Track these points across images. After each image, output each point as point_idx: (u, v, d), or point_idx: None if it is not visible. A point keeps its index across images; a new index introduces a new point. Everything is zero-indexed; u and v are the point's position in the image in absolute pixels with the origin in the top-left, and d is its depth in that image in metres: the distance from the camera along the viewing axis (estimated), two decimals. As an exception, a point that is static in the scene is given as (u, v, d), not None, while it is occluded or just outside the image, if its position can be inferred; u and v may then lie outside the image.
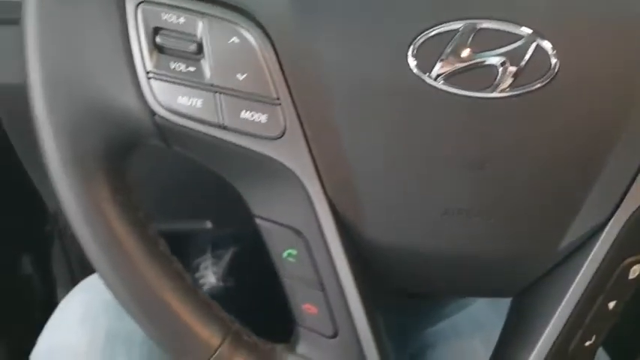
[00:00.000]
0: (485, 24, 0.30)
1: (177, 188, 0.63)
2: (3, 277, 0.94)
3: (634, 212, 0.32)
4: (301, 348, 0.36)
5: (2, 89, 0.52)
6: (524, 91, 0.30)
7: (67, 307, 0.60)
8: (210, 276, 0.99)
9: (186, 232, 0.90)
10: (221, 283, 0.98)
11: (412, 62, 0.30)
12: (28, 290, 0.99)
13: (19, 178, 0.67)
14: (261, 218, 0.34)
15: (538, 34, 0.30)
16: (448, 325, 0.60)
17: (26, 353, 0.60)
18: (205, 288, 0.97)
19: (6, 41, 0.51)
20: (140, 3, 0.31)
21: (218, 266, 0.99)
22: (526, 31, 0.30)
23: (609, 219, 0.33)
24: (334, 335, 0.35)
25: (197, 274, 0.99)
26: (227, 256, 0.99)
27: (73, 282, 0.68)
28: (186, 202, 0.67)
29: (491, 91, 0.30)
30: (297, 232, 0.33)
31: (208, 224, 0.73)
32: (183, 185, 0.61)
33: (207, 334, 0.34)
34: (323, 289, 0.34)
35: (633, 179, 0.32)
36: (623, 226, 0.33)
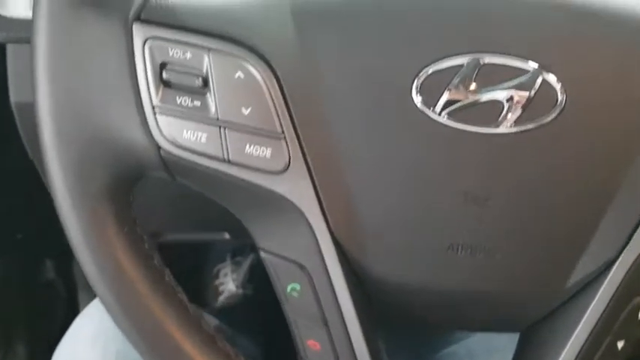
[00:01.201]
0: (490, 58, 0.29)
1: (196, 201, 0.63)
2: (27, 282, 0.96)
3: None
4: None
5: (21, 107, 0.53)
6: (530, 127, 0.30)
7: (80, 328, 0.61)
8: (229, 283, 0.99)
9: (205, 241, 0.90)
10: (240, 291, 0.98)
11: (416, 97, 0.30)
12: (51, 294, 1.01)
13: (41, 188, 0.68)
14: (265, 251, 0.34)
15: (544, 68, 0.29)
16: (462, 348, 0.59)
17: (49, 354, 0.61)
18: (225, 295, 0.98)
19: (24, 60, 0.52)
20: (148, 38, 0.31)
21: (238, 273, 1.00)
22: (532, 65, 0.29)
23: (617, 257, 0.32)
24: None
25: (217, 281, 1.00)
26: (246, 264, 0.99)
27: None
28: (204, 214, 0.67)
29: (497, 127, 0.30)
30: (301, 267, 0.33)
31: (226, 235, 0.73)
32: (202, 198, 0.62)
33: None
34: (326, 325, 0.34)
35: None
36: (632, 265, 0.32)
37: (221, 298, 0.98)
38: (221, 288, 1.00)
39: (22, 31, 0.50)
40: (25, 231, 0.94)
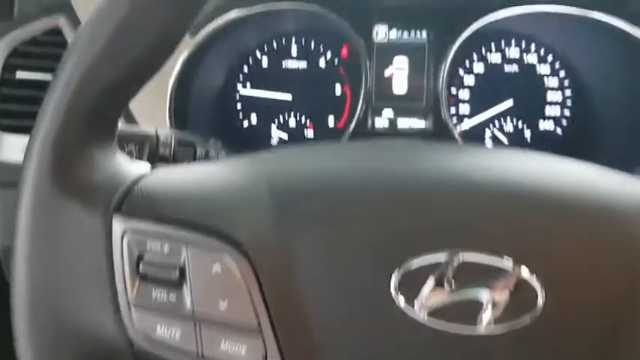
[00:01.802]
0: (466, 256, 0.29)
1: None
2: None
3: None
4: None
5: (8, 251, 0.52)
6: (510, 329, 0.29)
7: None
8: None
9: None
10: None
11: (395, 295, 0.29)
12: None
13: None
14: None
15: (522, 265, 0.29)
16: None
17: None
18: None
19: (12, 205, 0.52)
20: (126, 231, 0.31)
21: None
22: (507, 262, 0.29)
23: None
24: None
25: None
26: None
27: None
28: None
29: (476, 326, 0.29)
30: None
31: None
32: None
33: None
34: None
35: None
36: None
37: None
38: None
39: (13, 175, 0.51)
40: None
